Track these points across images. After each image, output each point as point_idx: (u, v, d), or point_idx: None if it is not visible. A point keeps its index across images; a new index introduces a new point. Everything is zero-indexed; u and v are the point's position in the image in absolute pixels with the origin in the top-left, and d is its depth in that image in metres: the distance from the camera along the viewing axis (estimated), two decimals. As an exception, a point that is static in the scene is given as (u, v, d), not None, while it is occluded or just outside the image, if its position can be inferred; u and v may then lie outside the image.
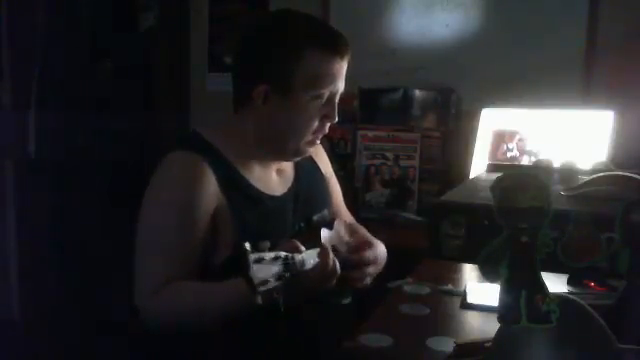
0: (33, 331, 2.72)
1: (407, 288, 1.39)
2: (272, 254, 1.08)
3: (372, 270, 1.38)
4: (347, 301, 1.39)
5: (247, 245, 1.04)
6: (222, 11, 2.92)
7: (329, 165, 1.62)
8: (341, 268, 1.25)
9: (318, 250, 1.20)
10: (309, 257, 1.17)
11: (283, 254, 1.10)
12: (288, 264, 1.10)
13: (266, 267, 1.05)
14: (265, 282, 1.04)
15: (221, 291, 1.23)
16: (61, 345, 2.53)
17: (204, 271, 1.29)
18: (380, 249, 1.44)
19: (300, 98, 1.31)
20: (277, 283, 1.07)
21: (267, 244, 1.08)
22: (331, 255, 1.20)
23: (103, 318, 2.44)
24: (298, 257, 1.13)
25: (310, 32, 1.32)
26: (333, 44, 1.32)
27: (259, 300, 1.04)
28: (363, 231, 1.53)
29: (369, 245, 1.40)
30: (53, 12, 2.93)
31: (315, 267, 1.17)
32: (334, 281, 1.22)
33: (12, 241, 2.88)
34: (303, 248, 1.17)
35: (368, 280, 1.38)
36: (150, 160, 1.37)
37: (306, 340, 1.34)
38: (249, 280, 1.03)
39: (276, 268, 1.07)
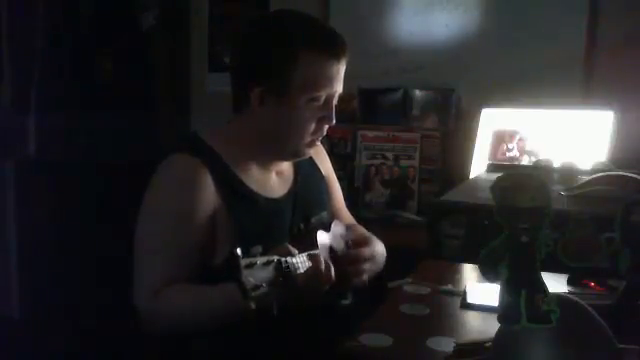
0: (33, 330, 2.72)
1: (407, 288, 1.39)
2: (264, 259, 1.07)
3: (369, 267, 1.37)
4: (347, 302, 1.39)
5: (238, 250, 1.03)
6: (222, 11, 2.92)
7: (329, 165, 1.61)
8: (338, 264, 1.25)
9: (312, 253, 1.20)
10: (304, 261, 1.17)
11: (275, 258, 1.09)
12: (281, 268, 1.09)
13: (258, 272, 1.04)
14: (257, 287, 1.03)
15: (216, 295, 1.23)
16: (61, 344, 2.53)
17: (203, 273, 1.29)
18: (378, 247, 1.44)
19: (296, 100, 1.29)
20: (270, 288, 1.06)
21: (259, 249, 1.07)
22: (323, 259, 1.19)
23: (103, 318, 2.45)
24: (291, 261, 1.12)
25: (306, 34, 1.30)
26: (330, 46, 1.30)
27: (252, 305, 1.03)
28: (362, 230, 1.53)
29: (367, 241, 1.40)
30: (53, 12, 2.93)
31: (307, 271, 1.17)
32: (328, 285, 1.21)
33: (12, 241, 2.89)
34: (296, 252, 1.17)
35: (365, 277, 1.38)
36: (150, 160, 1.37)
37: (306, 340, 1.34)
38: (241, 285, 1.02)
39: (268, 273, 1.06)
